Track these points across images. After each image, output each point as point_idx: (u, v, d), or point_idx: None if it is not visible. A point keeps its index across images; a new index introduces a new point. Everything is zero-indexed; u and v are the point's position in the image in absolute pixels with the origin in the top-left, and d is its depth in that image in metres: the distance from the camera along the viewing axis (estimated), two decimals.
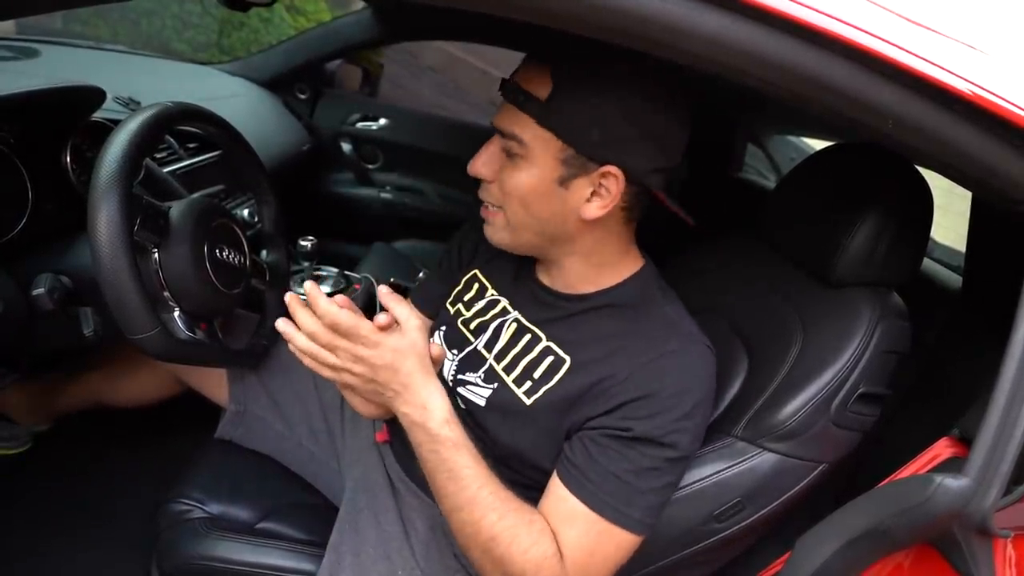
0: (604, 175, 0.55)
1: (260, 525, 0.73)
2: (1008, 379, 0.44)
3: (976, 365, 0.57)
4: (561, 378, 0.60)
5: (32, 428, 1.01)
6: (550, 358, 0.61)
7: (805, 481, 0.61)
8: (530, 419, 0.61)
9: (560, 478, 0.56)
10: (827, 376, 0.59)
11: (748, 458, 0.60)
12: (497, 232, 0.62)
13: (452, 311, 0.72)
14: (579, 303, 0.63)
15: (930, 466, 0.53)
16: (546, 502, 0.57)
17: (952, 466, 0.50)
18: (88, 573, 0.92)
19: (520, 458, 0.63)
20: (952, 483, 0.44)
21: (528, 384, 0.61)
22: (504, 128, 0.57)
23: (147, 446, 1.07)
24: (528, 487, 0.66)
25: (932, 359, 0.77)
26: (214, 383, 0.83)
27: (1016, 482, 0.45)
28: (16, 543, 0.93)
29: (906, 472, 0.54)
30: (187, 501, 0.73)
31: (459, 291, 0.73)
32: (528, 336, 0.64)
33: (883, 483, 0.52)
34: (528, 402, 0.61)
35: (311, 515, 0.76)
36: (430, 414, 0.53)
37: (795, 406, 0.59)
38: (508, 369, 0.64)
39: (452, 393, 0.67)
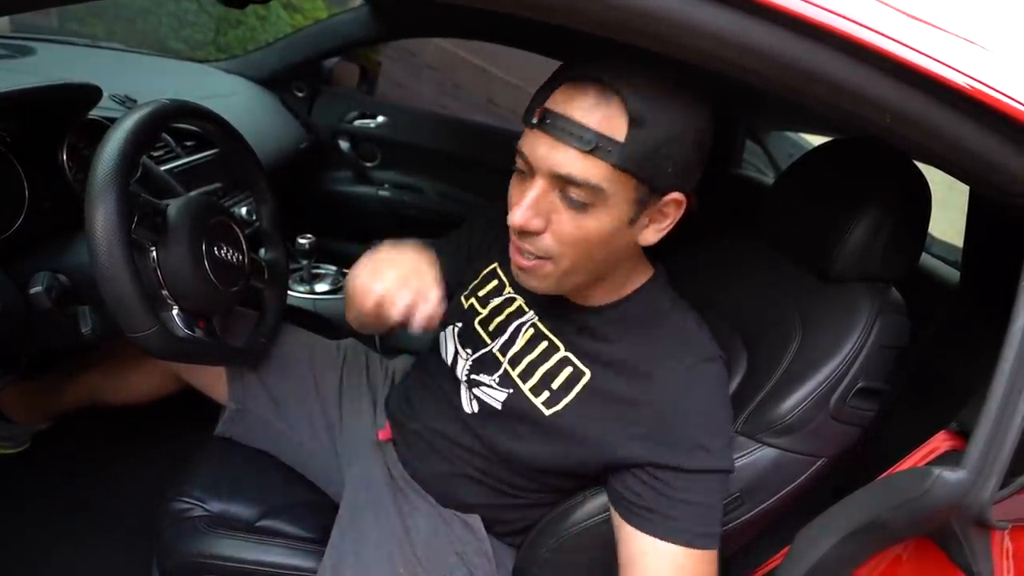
0: (667, 203, 0.53)
1: (261, 523, 0.73)
2: (1006, 372, 0.44)
3: (974, 359, 0.57)
4: (579, 393, 0.60)
5: (31, 427, 1.01)
6: (569, 369, 0.61)
7: (804, 476, 0.61)
8: (546, 431, 0.60)
9: (637, 527, 0.54)
10: (826, 371, 0.59)
11: (747, 453, 0.60)
12: (541, 282, 0.56)
13: (466, 306, 0.71)
14: (594, 315, 0.62)
15: (928, 459, 0.53)
16: (631, 557, 0.54)
17: (950, 459, 0.50)
18: (89, 572, 0.92)
19: (530, 466, 0.63)
20: (950, 476, 0.44)
21: (546, 395, 0.61)
22: (573, 176, 0.48)
23: (147, 445, 1.07)
24: (536, 491, 0.66)
25: (930, 354, 0.77)
26: (214, 381, 0.82)
27: (1014, 474, 0.45)
28: (15, 543, 0.93)
29: (904, 465, 0.54)
30: (187, 499, 0.73)
31: (475, 285, 0.72)
32: (545, 343, 0.63)
33: (881, 476, 0.52)
34: (547, 413, 0.60)
35: (311, 513, 0.76)
36: None
37: (794, 401, 0.59)
38: (524, 376, 0.63)
39: (466, 391, 0.67)
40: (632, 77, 0.47)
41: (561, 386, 0.60)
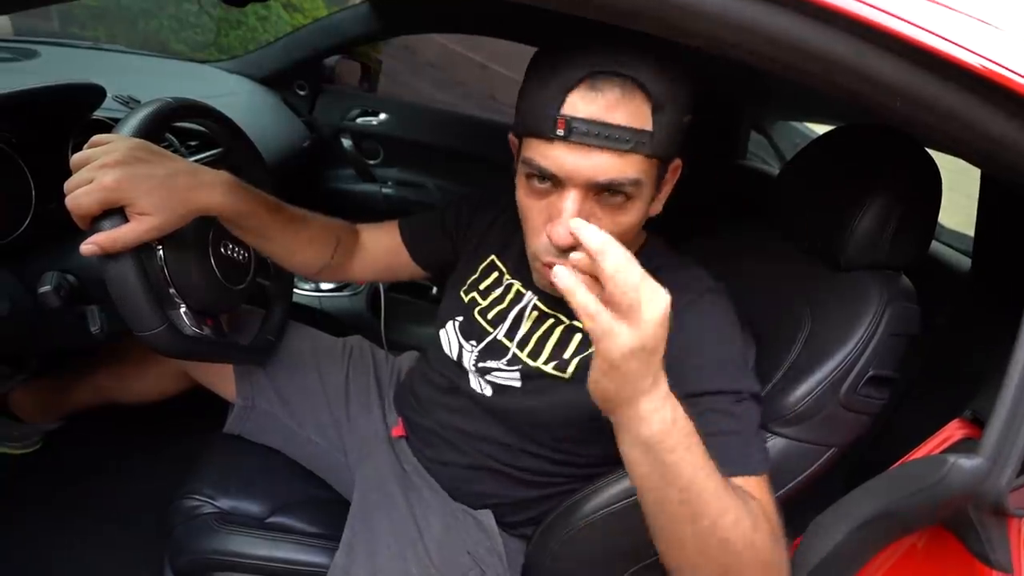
0: (670, 171, 0.55)
1: (271, 519, 0.73)
2: (1021, 358, 0.43)
3: (987, 346, 0.56)
4: (593, 352, 0.59)
5: (42, 427, 1.02)
6: (578, 335, 0.62)
7: (815, 465, 0.61)
8: (570, 387, 0.61)
9: None
10: (836, 359, 0.58)
11: None
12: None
13: (466, 300, 0.72)
14: None
15: (942, 448, 0.52)
16: None
17: (965, 447, 0.49)
18: (101, 571, 0.93)
19: (559, 430, 0.63)
20: (966, 463, 0.43)
21: (558, 362, 0.62)
22: (615, 180, 0.48)
23: (157, 443, 1.08)
24: (557, 475, 0.66)
25: (942, 341, 0.76)
26: (222, 378, 0.83)
27: None
28: (28, 543, 0.94)
29: (918, 454, 0.53)
30: (198, 497, 0.73)
31: (475, 279, 0.73)
32: (551, 320, 0.65)
33: (895, 465, 0.51)
34: (566, 376, 0.61)
35: (321, 509, 0.76)
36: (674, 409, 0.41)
37: (804, 390, 0.59)
38: (534, 354, 0.64)
39: (476, 378, 0.68)
40: (648, 63, 0.47)
41: (574, 351, 0.62)
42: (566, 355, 0.62)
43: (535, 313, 0.66)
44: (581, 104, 0.47)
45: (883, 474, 0.50)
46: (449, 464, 0.70)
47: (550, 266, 0.51)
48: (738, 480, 0.49)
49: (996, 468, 0.43)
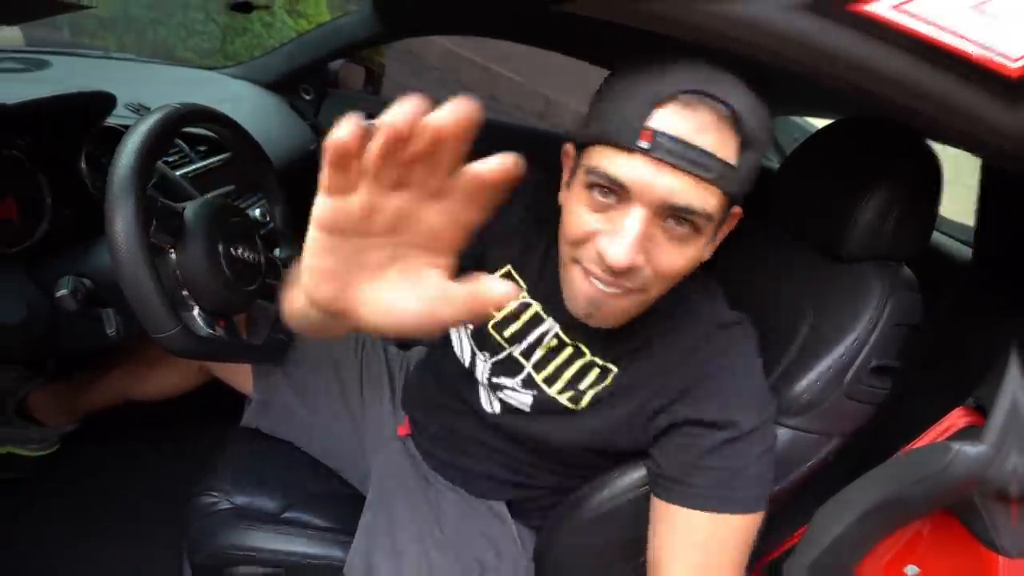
0: (729, 218, 0.51)
1: (287, 514, 0.75)
2: None
3: (989, 334, 0.57)
4: (608, 386, 0.60)
5: (60, 429, 1.03)
6: (595, 370, 0.60)
7: (819, 455, 0.61)
8: (582, 419, 0.60)
9: (665, 499, 0.55)
10: (839, 350, 0.59)
11: None
12: (619, 314, 0.52)
13: None
14: None
15: (945, 436, 0.53)
16: (656, 530, 0.55)
17: (968, 435, 0.50)
18: (121, 569, 0.95)
19: (570, 454, 0.63)
20: (970, 450, 0.44)
21: (572, 393, 0.61)
22: (693, 207, 0.44)
23: (173, 440, 1.10)
24: (566, 477, 0.66)
25: (944, 331, 0.76)
26: (240, 373, 0.84)
27: None
28: (50, 543, 0.96)
29: (921, 442, 0.54)
30: (214, 493, 0.75)
31: None
32: (570, 350, 0.62)
33: (899, 453, 0.52)
34: (578, 408, 0.60)
35: (336, 503, 0.77)
36: None
37: (807, 381, 0.59)
38: (549, 381, 0.62)
39: (487, 393, 0.67)
40: (746, 95, 0.44)
41: (590, 385, 0.60)
42: (582, 386, 0.60)
43: (554, 341, 0.62)
44: (670, 120, 0.43)
45: (887, 462, 0.50)
46: (458, 465, 0.71)
47: (588, 274, 0.49)
48: (707, 515, 0.52)
49: (1000, 455, 0.44)
